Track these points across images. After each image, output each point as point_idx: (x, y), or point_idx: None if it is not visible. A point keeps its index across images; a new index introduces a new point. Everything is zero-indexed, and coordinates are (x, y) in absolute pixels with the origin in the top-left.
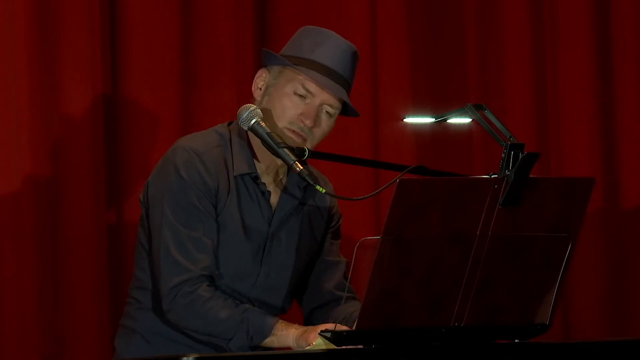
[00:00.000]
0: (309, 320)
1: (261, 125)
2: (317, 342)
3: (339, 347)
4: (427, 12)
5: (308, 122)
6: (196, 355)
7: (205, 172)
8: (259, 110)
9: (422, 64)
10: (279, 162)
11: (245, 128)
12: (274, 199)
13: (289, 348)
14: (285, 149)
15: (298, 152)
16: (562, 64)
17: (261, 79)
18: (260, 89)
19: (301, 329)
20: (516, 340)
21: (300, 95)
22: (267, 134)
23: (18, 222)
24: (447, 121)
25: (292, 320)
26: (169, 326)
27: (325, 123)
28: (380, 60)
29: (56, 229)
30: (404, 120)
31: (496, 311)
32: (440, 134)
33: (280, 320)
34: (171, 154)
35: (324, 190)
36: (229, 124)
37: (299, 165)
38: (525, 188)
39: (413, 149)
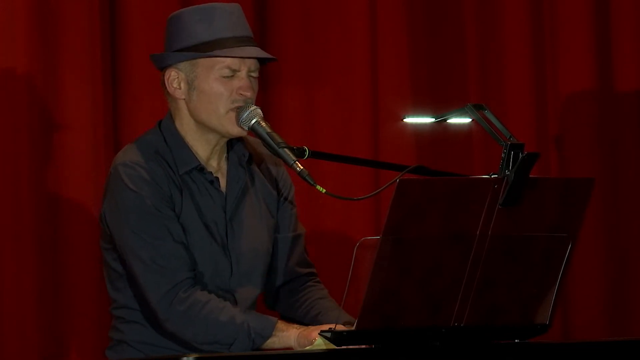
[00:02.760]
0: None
1: (261, 125)
2: (317, 342)
3: (339, 347)
4: (427, 12)
5: (249, 94)
6: (196, 355)
7: (153, 180)
8: (259, 110)
9: (422, 64)
10: (218, 143)
11: (246, 128)
12: (223, 183)
13: (290, 349)
14: (285, 149)
15: (298, 152)
16: (562, 64)
17: (174, 79)
18: (180, 88)
19: (302, 328)
20: (516, 340)
21: (229, 76)
22: (268, 133)
23: (18, 222)
24: (447, 121)
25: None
26: (165, 336)
27: (256, 84)
28: (380, 60)
29: (56, 229)
30: (404, 120)
31: (496, 311)
32: (440, 134)
33: (280, 320)
34: (114, 173)
35: (324, 190)
36: (160, 124)
37: (300, 165)
38: (525, 188)
39: (413, 149)
